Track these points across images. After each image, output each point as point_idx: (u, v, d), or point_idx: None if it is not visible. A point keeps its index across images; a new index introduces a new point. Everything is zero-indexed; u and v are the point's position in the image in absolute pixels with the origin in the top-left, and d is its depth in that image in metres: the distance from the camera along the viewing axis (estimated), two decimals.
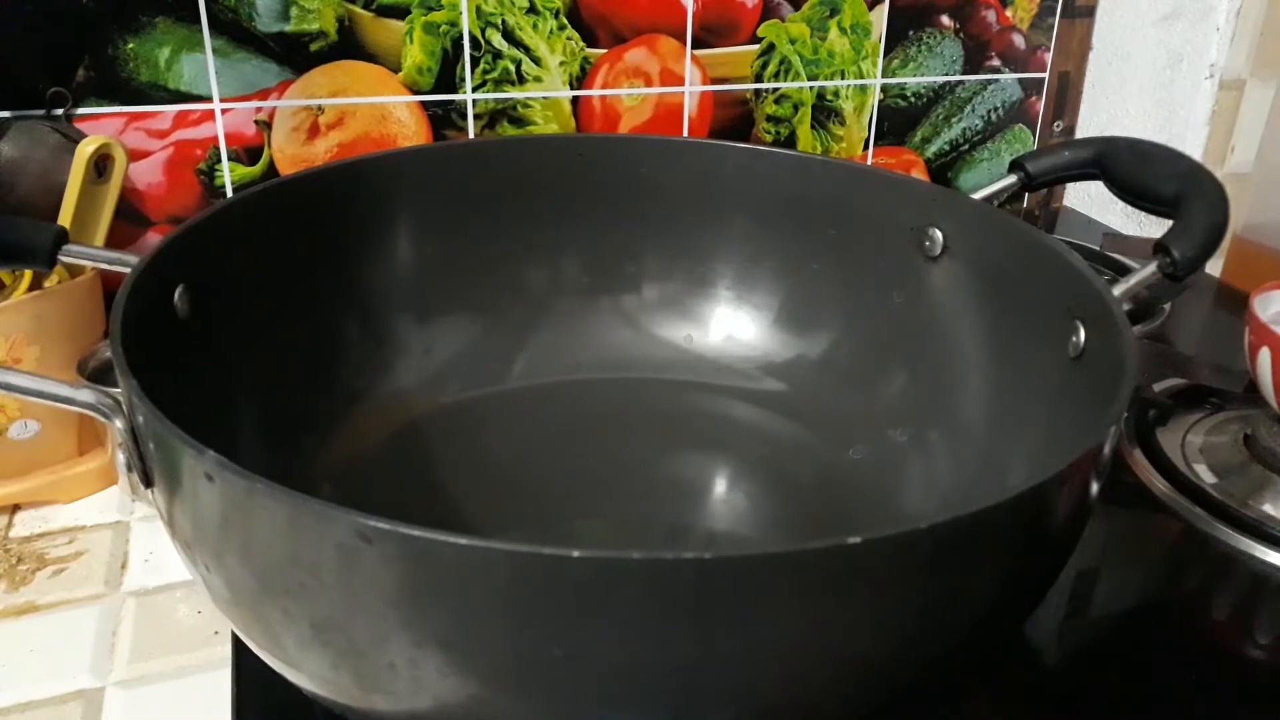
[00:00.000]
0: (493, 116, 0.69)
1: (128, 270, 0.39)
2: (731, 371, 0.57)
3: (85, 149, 0.54)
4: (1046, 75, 0.85)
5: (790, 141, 0.78)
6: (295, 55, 0.64)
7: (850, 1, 0.76)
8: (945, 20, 0.80)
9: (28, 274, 0.52)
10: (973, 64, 0.82)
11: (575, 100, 0.71)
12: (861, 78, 0.78)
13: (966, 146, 0.85)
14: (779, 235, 0.57)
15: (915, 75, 0.80)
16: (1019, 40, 0.83)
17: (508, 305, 0.57)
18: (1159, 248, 0.44)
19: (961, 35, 0.81)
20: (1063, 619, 0.45)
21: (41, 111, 0.58)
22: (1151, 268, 0.44)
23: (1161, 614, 0.47)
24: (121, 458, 0.34)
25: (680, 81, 0.73)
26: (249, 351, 0.46)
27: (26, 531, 0.51)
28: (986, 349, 0.49)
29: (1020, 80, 0.84)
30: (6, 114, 0.57)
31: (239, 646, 0.41)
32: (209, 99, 0.62)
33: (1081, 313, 0.42)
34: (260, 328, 0.47)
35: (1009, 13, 0.81)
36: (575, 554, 0.25)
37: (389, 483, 0.49)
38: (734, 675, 0.29)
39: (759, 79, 0.76)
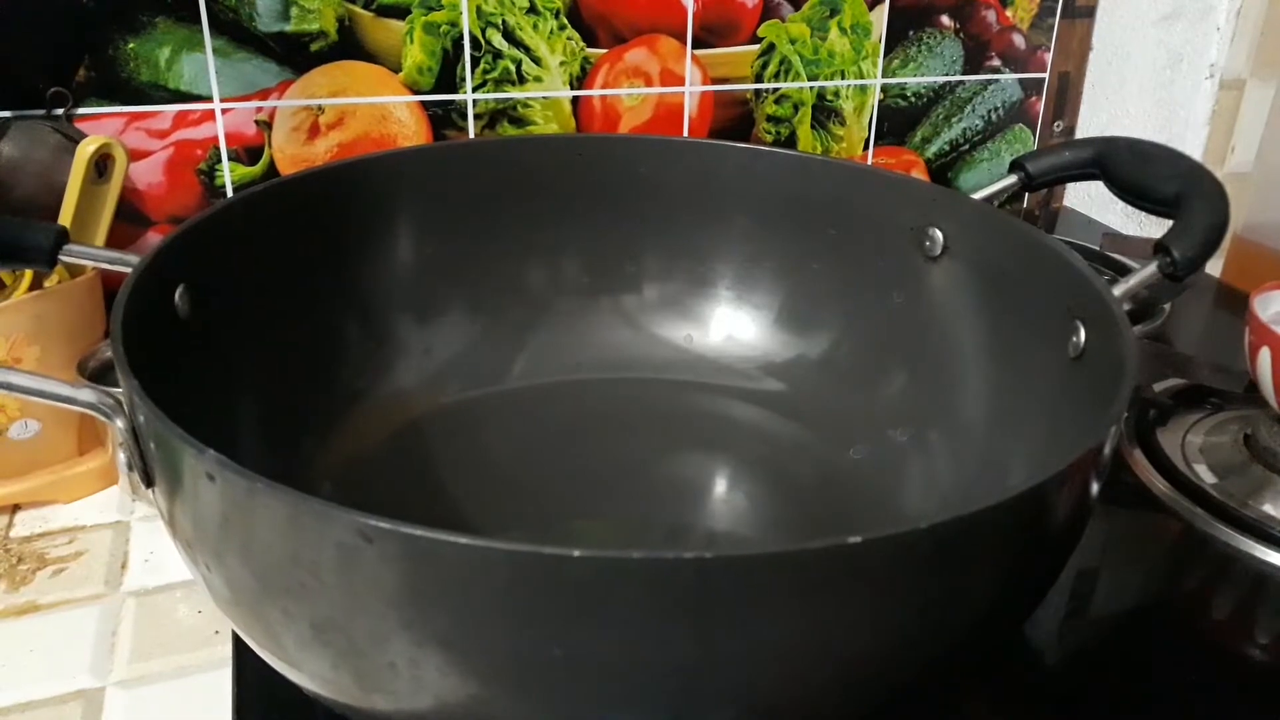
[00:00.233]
0: (493, 116, 0.69)
1: (128, 270, 0.39)
2: (731, 371, 0.57)
3: (86, 149, 0.54)
4: (1046, 75, 0.85)
5: (790, 141, 0.78)
6: (295, 55, 0.64)
7: (850, 1, 0.76)
8: (945, 20, 0.80)
9: (28, 274, 0.52)
10: (973, 64, 0.82)
11: (575, 100, 0.71)
12: (862, 78, 0.79)
13: (966, 146, 0.85)
14: (779, 235, 0.57)
15: (915, 75, 0.80)
16: (1019, 40, 0.83)
17: (508, 305, 0.57)
18: (1159, 248, 0.44)
19: (961, 35, 0.81)
20: (1063, 619, 0.45)
21: (42, 111, 0.58)
22: (1151, 268, 0.44)
23: (1161, 614, 0.47)
24: (122, 457, 0.34)
25: (680, 81, 0.73)
26: (249, 351, 0.46)
27: (27, 531, 0.51)
28: (986, 349, 0.49)
29: (1020, 80, 0.84)
30: (7, 114, 0.57)
31: (239, 646, 0.41)
32: (209, 99, 0.62)
33: (1081, 313, 0.42)
34: (260, 327, 0.47)
35: (1009, 13, 0.81)
36: (576, 553, 0.25)
37: (389, 483, 0.49)
38: (734, 675, 0.29)
39: (759, 79, 0.76)
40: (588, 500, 0.50)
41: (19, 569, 0.48)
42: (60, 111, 0.58)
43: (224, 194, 0.64)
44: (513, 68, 0.68)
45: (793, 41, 0.75)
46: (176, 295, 0.42)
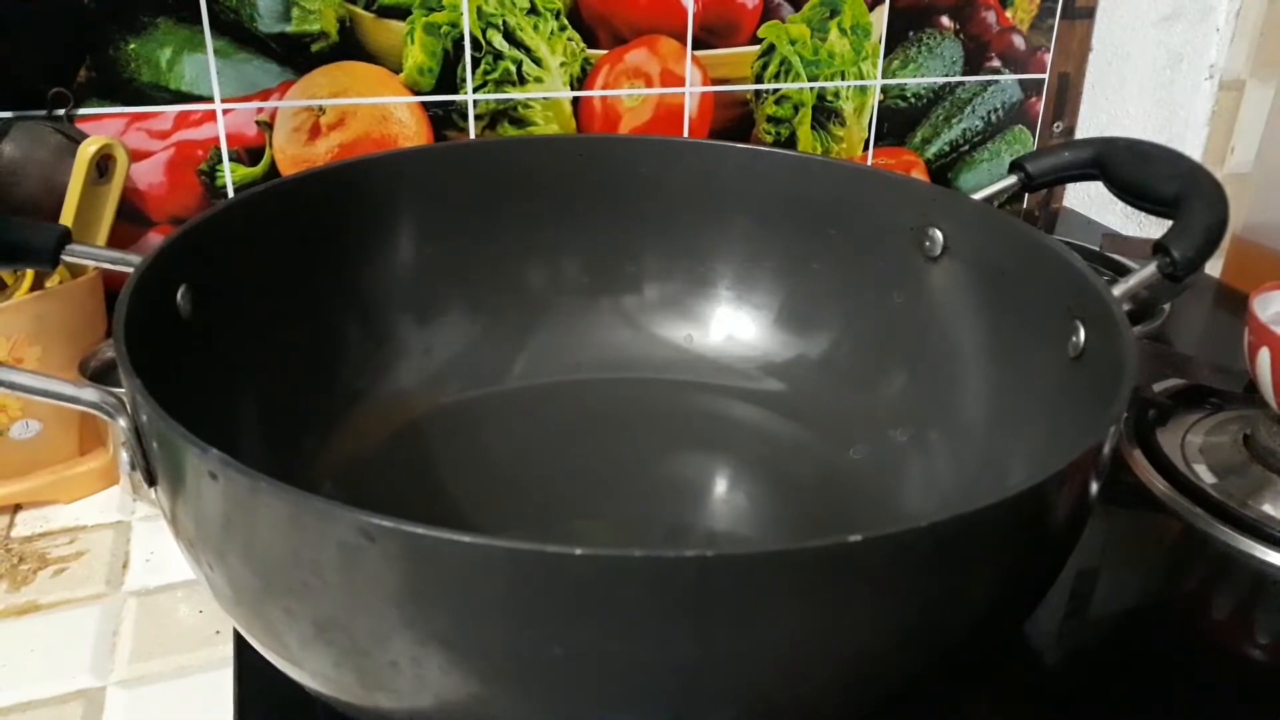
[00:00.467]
0: (493, 117, 0.69)
1: (130, 270, 0.39)
2: (731, 371, 0.57)
3: (87, 149, 0.54)
4: (1046, 76, 0.85)
5: (790, 142, 0.78)
6: (296, 56, 0.64)
7: (850, 2, 0.76)
8: (945, 21, 0.80)
9: (29, 274, 0.52)
10: (973, 65, 0.82)
11: (576, 101, 0.71)
12: (862, 78, 0.79)
13: (966, 147, 0.85)
14: (779, 235, 0.57)
15: (915, 76, 0.80)
16: (1019, 41, 0.83)
17: (508, 305, 0.57)
18: (1159, 248, 0.44)
19: (961, 36, 0.81)
20: (1063, 619, 0.45)
21: (43, 112, 0.58)
22: (1151, 268, 0.44)
23: (1161, 614, 0.47)
24: (125, 457, 0.34)
25: (681, 82, 0.73)
26: (250, 351, 0.46)
27: (28, 531, 0.51)
28: (986, 349, 0.49)
29: (1020, 81, 0.84)
30: (8, 114, 0.57)
31: (241, 645, 0.41)
32: (210, 99, 0.62)
33: (1081, 313, 0.42)
34: (261, 327, 0.47)
35: (1009, 13, 0.81)
36: (578, 552, 0.25)
37: (389, 482, 0.49)
38: (734, 675, 0.29)
39: (759, 80, 0.76)
40: (588, 500, 0.50)
41: (20, 569, 0.48)
42: (61, 112, 0.58)
43: (225, 194, 0.65)
44: (513, 68, 0.69)
45: (793, 42, 0.75)
46: (178, 295, 0.42)
